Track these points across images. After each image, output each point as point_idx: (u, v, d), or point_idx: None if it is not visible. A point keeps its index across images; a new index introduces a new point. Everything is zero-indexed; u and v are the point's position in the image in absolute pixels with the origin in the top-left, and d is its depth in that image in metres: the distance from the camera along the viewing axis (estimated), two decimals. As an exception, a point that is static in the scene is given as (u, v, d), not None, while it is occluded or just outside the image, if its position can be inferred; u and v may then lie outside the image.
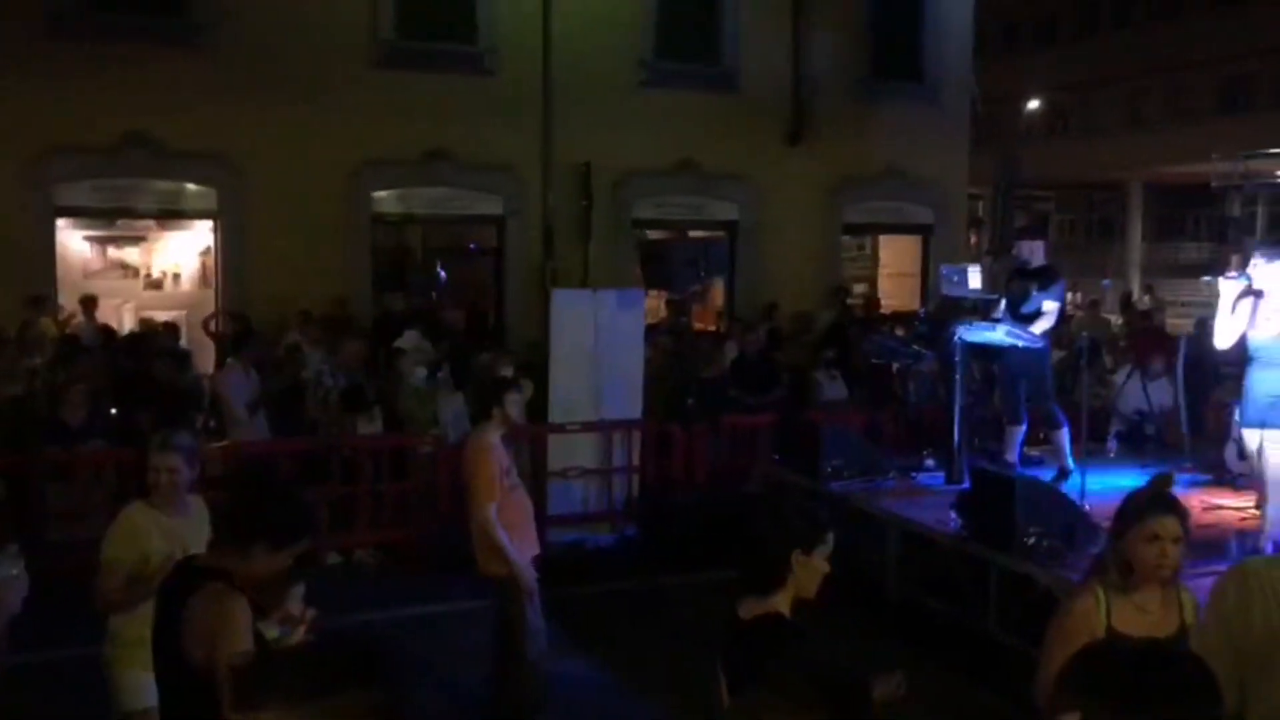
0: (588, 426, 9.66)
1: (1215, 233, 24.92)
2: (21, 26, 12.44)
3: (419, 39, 14.13)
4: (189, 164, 13.32)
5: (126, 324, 13.78)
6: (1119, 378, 10.64)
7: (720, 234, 16.31)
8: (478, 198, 14.88)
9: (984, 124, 19.40)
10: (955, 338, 8.56)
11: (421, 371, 10.44)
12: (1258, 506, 6.88)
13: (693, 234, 16.87)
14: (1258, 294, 6.42)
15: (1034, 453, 9.03)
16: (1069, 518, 6.66)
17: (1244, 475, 7.75)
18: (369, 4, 13.87)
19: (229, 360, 10.29)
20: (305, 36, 13.35)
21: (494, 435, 5.82)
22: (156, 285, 14.85)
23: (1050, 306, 8.32)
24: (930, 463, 8.93)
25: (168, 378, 9.80)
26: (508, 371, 8.53)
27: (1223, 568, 3.09)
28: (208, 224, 14.13)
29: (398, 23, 14.05)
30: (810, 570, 3.18)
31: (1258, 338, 6.50)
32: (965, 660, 6.61)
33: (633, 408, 9.82)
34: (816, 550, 3.19)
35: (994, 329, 8.31)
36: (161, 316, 13.66)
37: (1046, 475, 8.20)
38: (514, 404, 5.99)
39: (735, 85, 15.57)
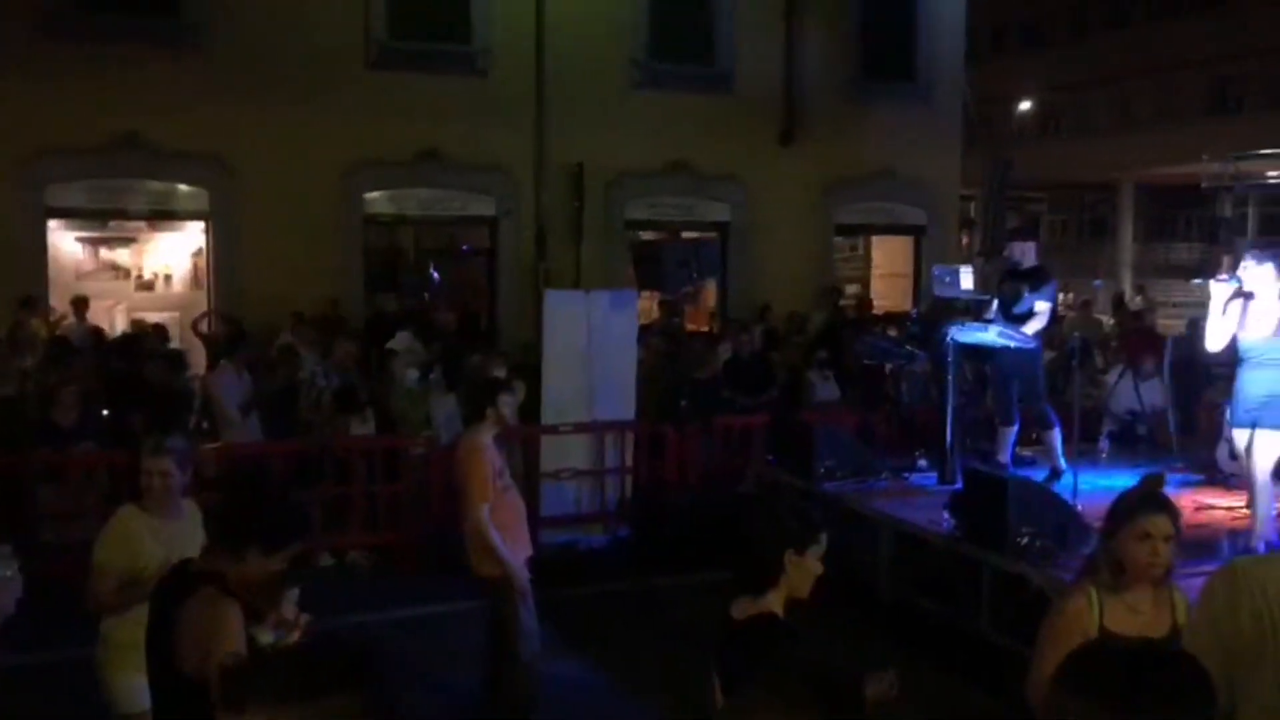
0: (580, 427, 9.66)
1: (1206, 233, 24.96)
2: (13, 27, 12.42)
3: (412, 40, 14.12)
4: (181, 165, 13.31)
5: (119, 325, 13.73)
6: (1111, 378, 10.67)
7: (713, 235, 16.33)
8: (470, 198, 14.88)
9: (976, 125, 19.44)
10: (948, 338, 8.58)
11: (414, 373, 10.43)
12: (1249, 506, 6.90)
13: (685, 235, 16.88)
14: (1248, 296, 6.46)
15: (1026, 453, 9.05)
16: (1061, 518, 6.68)
17: (1235, 475, 7.77)
18: (362, 5, 13.86)
19: (222, 362, 10.27)
20: (298, 37, 13.33)
21: (487, 436, 5.82)
22: (148, 286, 14.80)
23: (1042, 307, 8.34)
24: (923, 463, 8.94)
25: (160, 379, 9.78)
26: (500, 372, 8.53)
27: (1215, 568, 3.10)
28: (199, 225, 14.12)
29: (391, 23, 14.04)
30: (803, 571, 3.19)
31: (1248, 339, 6.54)
32: (958, 660, 6.62)
33: (626, 409, 9.82)
34: (809, 551, 3.20)
35: (986, 330, 8.33)
36: (153, 318, 13.62)
37: (1039, 475, 8.22)
38: (507, 405, 5.99)
39: (728, 86, 15.59)
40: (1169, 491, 4.34)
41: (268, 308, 12.78)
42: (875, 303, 16.61)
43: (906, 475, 8.78)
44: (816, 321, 14.75)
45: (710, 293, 16.78)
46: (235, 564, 3.19)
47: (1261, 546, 6.42)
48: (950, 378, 8.64)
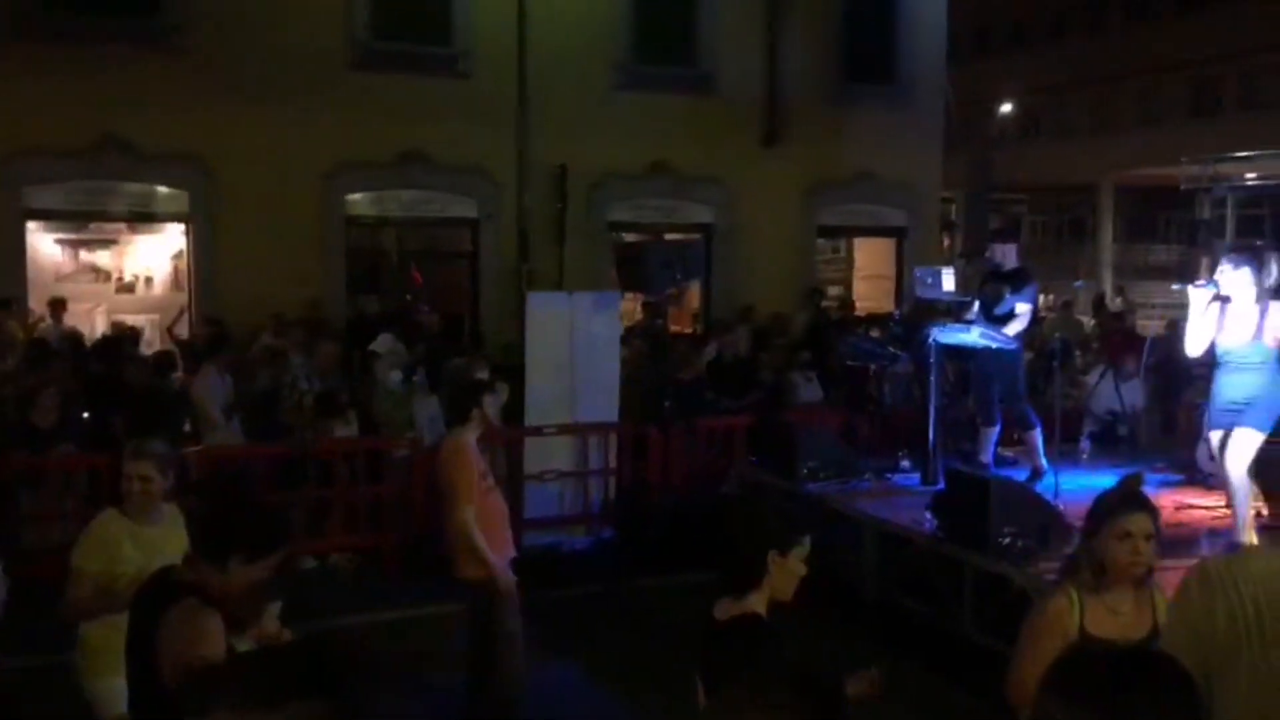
0: (564, 429, 9.65)
1: (1186, 235, 25.11)
2: (-9, 27, 12.34)
3: (394, 41, 14.08)
4: (161, 166, 13.23)
5: (99, 328, 13.65)
6: (1091, 378, 10.73)
7: (696, 236, 16.33)
8: (452, 200, 14.85)
9: (957, 127, 19.51)
10: (930, 339, 8.61)
11: (397, 374, 10.40)
12: (1228, 506, 6.95)
13: (668, 236, 16.87)
14: (1225, 299, 6.51)
15: (1008, 453, 9.10)
16: (1043, 518, 6.71)
17: (1214, 475, 7.82)
18: (343, 6, 13.82)
19: (205, 364, 10.22)
20: (279, 38, 13.28)
21: (471, 438, 5.82)
22: (128, 289, 14.71)
23: (1023, 308, 8.38)
24: (906, 464, 8.98)
25: (140, 382, 9.72)
26: (483, 374, 8.52)
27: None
28: (180, 227, 14.05)
29: (372, 24, 14.00)
30: (787, 572, 3.20)
31: (1225, 343, 6.59)
32: (942, 660, 6.65)
33: (609, 410, 9.82)
34: (793, 552, 3.20)
35: (968, 331, 8.37)
36: (133, 320, 13.55)
37: (1020, 476, 8.26)
38: (490, 406, 5.99)
39: (710, 88, 15.61)
40: (1149, 491, 4.37)
41: (248, 310, 12.72)
42: (858, 304, 16.66)
43: (889, 476, 8.82)
44: (799, 323, 14.78)
45: (693, 294, 16.78)
46: (218, 573, 3.18)
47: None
48: (932, 379, 8.68)
